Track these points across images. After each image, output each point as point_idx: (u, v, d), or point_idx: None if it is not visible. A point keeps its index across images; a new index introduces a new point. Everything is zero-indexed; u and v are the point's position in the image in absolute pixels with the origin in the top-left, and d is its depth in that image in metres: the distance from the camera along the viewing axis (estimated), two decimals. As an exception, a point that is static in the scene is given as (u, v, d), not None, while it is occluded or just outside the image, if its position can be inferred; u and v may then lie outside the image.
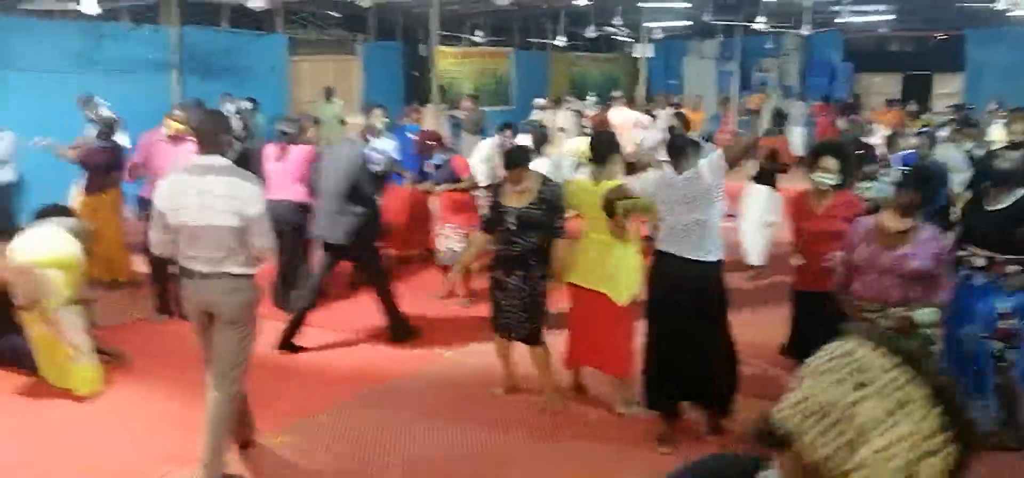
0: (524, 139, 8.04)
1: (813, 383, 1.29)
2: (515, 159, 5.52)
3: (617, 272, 5.34)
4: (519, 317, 5.50)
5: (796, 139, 15.52)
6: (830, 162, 5.45)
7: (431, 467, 4.86)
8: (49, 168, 8.72)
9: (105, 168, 8.21)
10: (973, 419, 1.28)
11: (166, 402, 5.75)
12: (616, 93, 15.12)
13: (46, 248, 5.72)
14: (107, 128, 8.48)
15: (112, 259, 8.47)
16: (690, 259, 4.81)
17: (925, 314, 4.45)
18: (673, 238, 4.85)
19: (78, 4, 10.97)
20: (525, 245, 5.41)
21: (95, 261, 8.41)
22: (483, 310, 7.64)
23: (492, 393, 5.87)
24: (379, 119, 8.44)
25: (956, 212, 5.13)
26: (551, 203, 5.38)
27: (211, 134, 4.39)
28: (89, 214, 8.11)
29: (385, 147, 8.53)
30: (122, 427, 5.38)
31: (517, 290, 5.46)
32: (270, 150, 7.64)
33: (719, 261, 4.93)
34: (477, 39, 19.13)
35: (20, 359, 5.86)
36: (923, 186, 4.61)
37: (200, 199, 4.25)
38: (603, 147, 5.61)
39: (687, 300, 4.82)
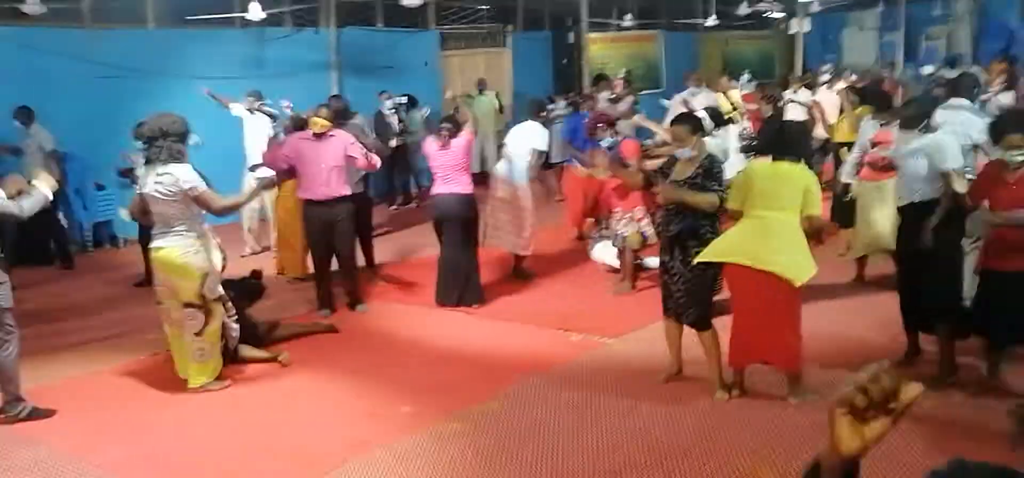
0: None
1: None
2: (682, 117, 5.60)
3: (783, 251, 5.06)
4: (686, 301, 5.42)
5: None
6: (1016, 138, 5.06)
7: (599, 455, 4.84)
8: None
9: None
10: None
11: (345, 391, 5.99)
12: (850, 75, 14.40)
13: (167, 255, 5.94)
14: (297, 125, 8.83)
15: (291, 254, 8.87)
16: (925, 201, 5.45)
17: None
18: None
19: (245, 12, 11.62)
20: (682, 225, 5.34)
21: (284, 256, 8.96)
22: (643, 298, 7.61)
23: (656, 381, 5.79)
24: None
25: None
26: (708, 171, 5.31)
27: None
28: (283, 209, 8.81)
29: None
30: (305, 414, 5.63)
31: (681, 274, 5.39)
32: (432, 144, 7.81)
33: None
34: (626, 23, 18.91)
35: None
36: None
37: None
38: (792, 137, 5.67)
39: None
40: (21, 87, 10.17)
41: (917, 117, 5.70)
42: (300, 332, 7.12)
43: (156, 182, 5.83)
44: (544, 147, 8.61)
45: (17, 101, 9.75)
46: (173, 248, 5.88)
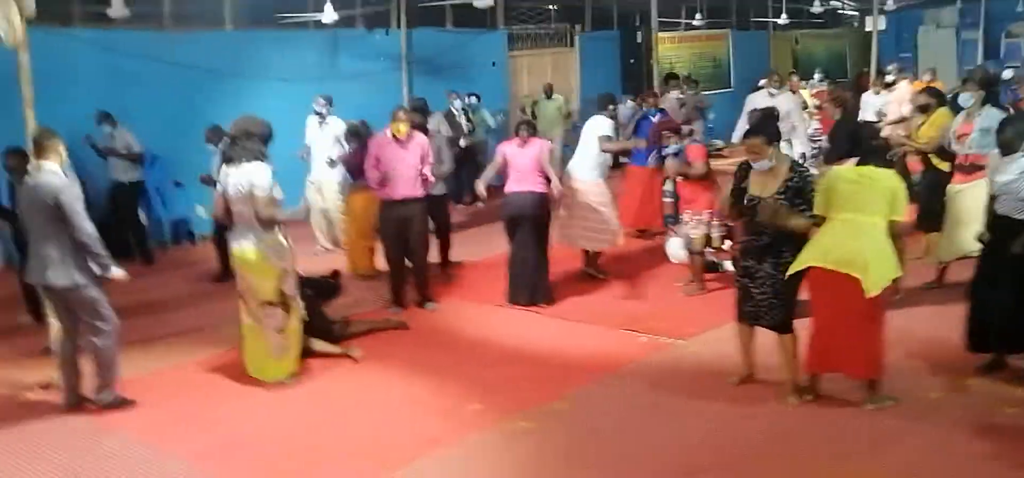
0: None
1: None
2: (758, 128, 5.45)
3: (870, 256, 4.94)
4: (770, 303, 5.35)
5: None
6: None
7: (668, 456, 4.84)
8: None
9: (358, 169, 8.56)
10: None
11: (415, 387, 6.07)
12: (928, 74, 14.05)
13: (246, 254, 6.09)
14: (354, 132, 8.98)
15: (360, 252, 9.02)
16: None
17: None
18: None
19: (320, 15, 11.82)
20: (775, 234, 5.25)
21: (353, 254, 9.10)
22: (713, 299, 7.55)
23: (727, 383, 5.74)
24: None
25: None
26: (799, 191, 5.21)
27: None
28: (352, 209, 9.05)
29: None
30: (376, 409, 5.74)
31: (769, 277, 5.31)
32: (510, 143, 7.93)
33: None
34: (695, 23, 18.76)
35: None
36: None
37: None
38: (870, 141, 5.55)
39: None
40: (104, 89, 10.50)
41: (1017, 138, 5.44)
42: (372, 328, 7.24)
43: (235, 181, 5.99)
44: (610, 133, 8.55)
45: (100, 102, 10.08)
46: (251, 247, 6.03)
